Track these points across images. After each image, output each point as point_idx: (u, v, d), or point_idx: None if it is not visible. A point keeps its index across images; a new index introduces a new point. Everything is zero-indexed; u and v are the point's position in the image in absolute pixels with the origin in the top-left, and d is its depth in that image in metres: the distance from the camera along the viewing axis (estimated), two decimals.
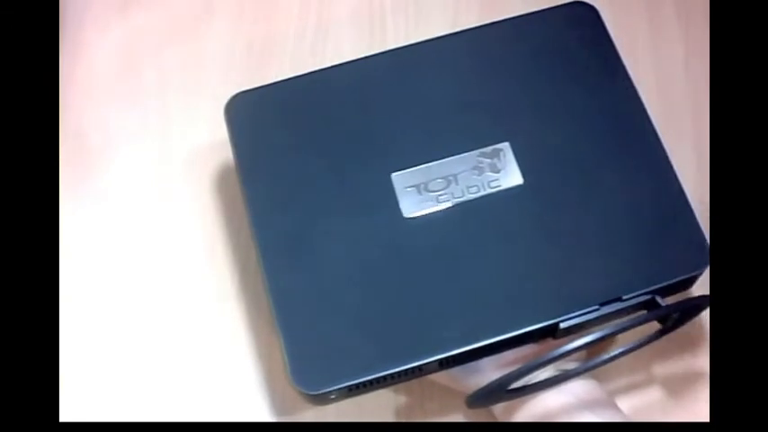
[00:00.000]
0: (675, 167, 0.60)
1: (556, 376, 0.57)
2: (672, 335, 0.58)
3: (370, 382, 0.55)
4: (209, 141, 0.69)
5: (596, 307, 0.56)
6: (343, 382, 0.55)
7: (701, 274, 0.58)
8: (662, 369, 0.63)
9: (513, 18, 0.65)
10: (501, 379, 0.54)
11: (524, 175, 0.59)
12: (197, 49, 0.73)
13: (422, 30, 0.73)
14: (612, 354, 0.58)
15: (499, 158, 0.60)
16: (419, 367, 0.55)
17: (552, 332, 0.56)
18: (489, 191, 0.59)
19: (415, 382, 0.59)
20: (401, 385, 0.59)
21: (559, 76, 0.63)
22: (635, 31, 0.73)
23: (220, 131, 0.66)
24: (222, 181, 0.69)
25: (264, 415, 0.63)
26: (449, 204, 0.59)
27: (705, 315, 0.59)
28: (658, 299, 0.56)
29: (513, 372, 0.54)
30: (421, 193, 0.59)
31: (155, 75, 0.73)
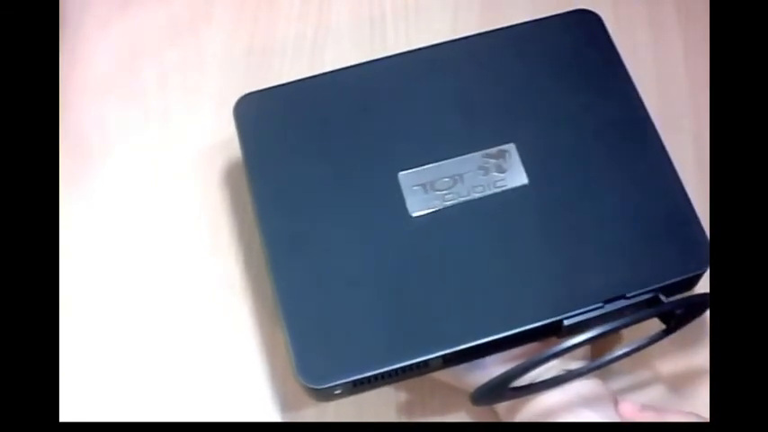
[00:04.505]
0: (677, 167, 0.60)
1: (560, 376, 0.57)
2: (673, 335, 0.58)
3: (375, 377, 0.55)
4: (210, 141, 0.69)
5: (600, 304, 0.56)
6: (348, 377, 0.55)
7: (703, 272, 0.58)
8: (663, 368, 0.63)
9: (519, 24, 0.66)
10: (505, 374, 0.55)
11: (529, 175, 0.60)
12: (197, 49, 0.73)
13: (422, 33, 0.73)
14: (617, 354, 0.58)
15: (505, 159, 0.60)
16: (424, 363, 0.56)
17: (556, 330, 0.56)
18: (495, 190, 0.59)
19: (416, 380, 0.59)
20: (403, 383, 0.59)
21: (564, 80, 0.63)
22: (635, 30, 0.73)
23: (220, 131, 0.66)
24: (222, 180, 0.69)
25: (267, 411, 0.62)
26: (454, 203, 0.59)
27: (705, 314, 0.59)
28: (662, 297, 0.57)
29: (516, 367, 0.54)
30: (427, 191, 0.59)
31: (155, 74, 0.73)
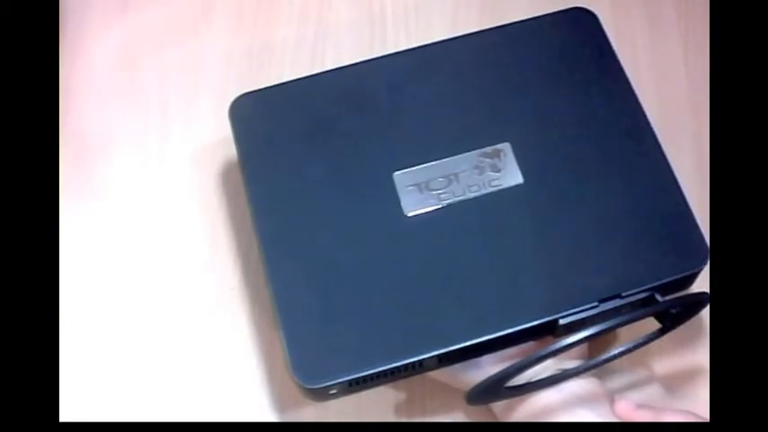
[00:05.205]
0: (674, 167, 0.60)
1: (556, 375, 0.57)
2: (672, 333, 0.58)
3: (371, 377, 0.56)
4: (210, 141, 0.69)
5: (595, 304, 0.56)
6: (344, 377, 0.55)
7: (699, 272, 0.58)
8: (660, 367, 0.63)
9: (515, 23, 0.66)
10: (500, 373, 0.55)
11: (524, 174, 0.60)
12: (197, 49, 0.74)
13: (421, 33, 0.74)
14: (613, 353, 0.58)
15: (500, 158, 0.60)
16: (419, 363, 0.56)
17: (552, 329, 0.57)
18: (490, 190, 0.60)
19: (415, 380, 0.60)
20: (401, 383, 0.59)
21: (560, 79, 0.64)
22: (635, 31, 0.73)
23: (220, 131, 0.66)
24: (223, 180, 0.69)
25: (266, 412, 0.63)
26: (450, 203, 0.59)
27: (705, 313, 0.59)
28: (657, 296, 0.57)
29: (511, 366, 0.54)
30: (422, 191, 0.60)
31: (155, 75, 0.73)
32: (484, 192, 0.59)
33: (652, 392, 0.62)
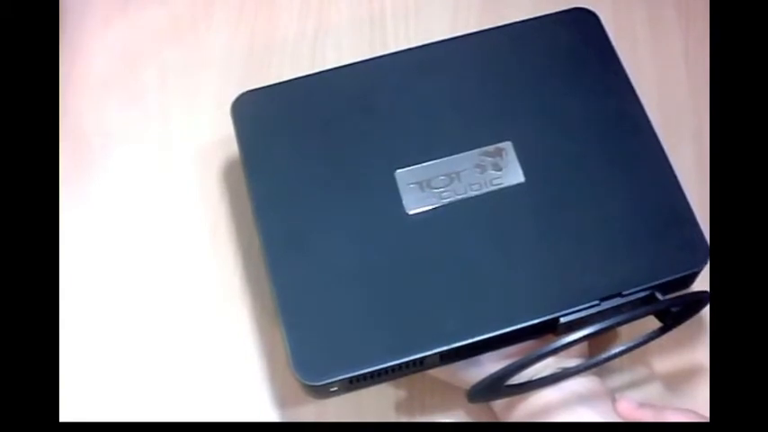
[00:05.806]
0: (675, 166, 0.60)
1: (557, 373, 0.57)
2: (672, 332, 0.58)
3: (372, 374, 0.56)
4: (210, 140, 0.70)
5: (596, 302, 0.56)
6: (345, 374, 0.55)
7: (699, 271, 0.58)
8: (661, 365, 0.63)
9: (516, 23, 0.66)
10: (500, 372, 0.55)
11: (526, 173, 0.60)
12: (197, 49, 0.74)
13: (421, 32, 0.74)
14: (614, 352, 0.58)
15: (501, 157, 0.60)
16: (420, 360, 0.56)
17: (553, 327, 0.57)
18: (491, 188, 0.60)
19: (415, 378, 0.60)
20: (402, 380, 0.59)
21: (561, 78, 0.64)
22: (635, 31, 0.73)
23: (220, 130, 0.66)
24: (224, 178, 0.69)
25: (267, 410, 0.63)
26: (451, 201, 0.59)
27: (705, 312, 0.60)
28: (658, 295, 0.57)
29: (512, 364, 0.54)
30: (424, 189, 0.60)
31: (155, 74, 0.73)
32: (485, 190, 0.59)
33: (652, 390, 0.62)
